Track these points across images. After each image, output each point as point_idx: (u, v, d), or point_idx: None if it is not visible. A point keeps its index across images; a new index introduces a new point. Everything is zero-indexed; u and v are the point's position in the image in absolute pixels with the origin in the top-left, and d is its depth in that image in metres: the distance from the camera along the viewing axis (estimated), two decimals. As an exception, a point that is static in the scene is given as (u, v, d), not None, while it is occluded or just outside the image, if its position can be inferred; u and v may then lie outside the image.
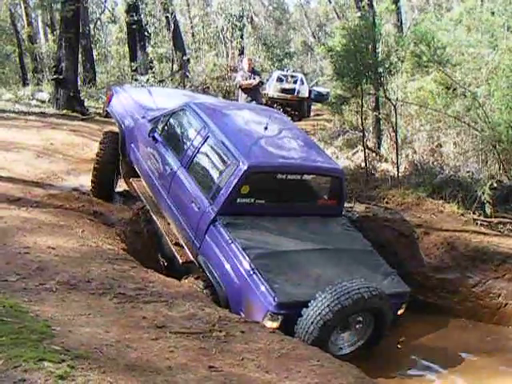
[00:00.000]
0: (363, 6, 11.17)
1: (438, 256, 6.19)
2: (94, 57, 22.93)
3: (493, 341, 5.54)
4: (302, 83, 19.79)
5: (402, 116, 9.51)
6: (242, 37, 24.32)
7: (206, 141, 5.61)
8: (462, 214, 6.99)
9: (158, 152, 6.15)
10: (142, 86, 14.63)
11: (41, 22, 26.20)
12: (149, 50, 19.84)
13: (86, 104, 15.11)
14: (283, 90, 18.90)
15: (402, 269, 5.55)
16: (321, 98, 19.31)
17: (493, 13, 10.83)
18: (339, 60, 8.52)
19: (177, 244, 5.67)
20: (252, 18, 30.46)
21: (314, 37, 37.98)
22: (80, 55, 16.55)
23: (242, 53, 23.18)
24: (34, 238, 4.94)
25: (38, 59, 23.72)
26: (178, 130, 6.29)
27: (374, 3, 11.89)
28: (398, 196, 7.53)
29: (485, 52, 8.95)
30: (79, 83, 16.70)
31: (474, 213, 7.02)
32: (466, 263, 6.06)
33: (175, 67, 19.66)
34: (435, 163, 8.63)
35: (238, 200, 5.17)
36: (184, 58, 19.11)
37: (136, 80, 16.85)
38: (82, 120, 13.09)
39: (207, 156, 5.65)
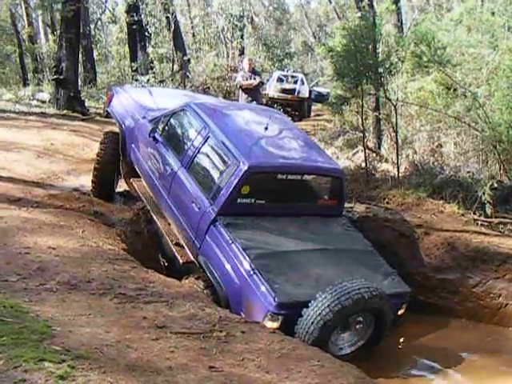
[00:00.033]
0: (363, 7, 11.17)
1: (439, 256, 6.19)
2: (95, 57, 22.94)
3: (493, 341, 5.54)
4: (303, 83, 19.79)
5: (403, 116, 9.51)
6: (242, 37, 24.33)
7: (206, 141, 5.61)
8: (463, 215, 6.99)
9: (159, 152, 6.16)
10: (143, 86, 14.62)
11: (41, 22, 26.23)
12: (149, 50, 19.82)
13: (86, 104, 15.12)
14: (283, 91, 18.90)
15: (402, 269, 5.55)
16: (321, 98, 19.28)
17: (493, 13, 10.84)
18: (339, 60, 8.52)
19: (177, 244, 5.67)
20: (252, 18, 30.47)
21: (315, 37, 37.97)
22: (80, 55, 16.57)
23: (242, 53, 23.20)
24: (34, 238, 4.95)
25: (39, 59, 23.74)
26: (179, 131, 6.30)
27: (375, 3, 11.90)
28: (399, 196, 7.53)
29: (485, 52, 8.95)
30: (80, 83, 16.72)
31: (474, 213, 7.02)
32: (466, 263, 6.06)
33: (176, 67, 19.65)
34: (435, 163, 8.63)
35: (239, 200, 5.17)
36: (184, 58, 19.11)
37: (136, 80, 16.84)
38: (83, 120, 13.10)
39: (208, 156, 5.65)
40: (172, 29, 19.62)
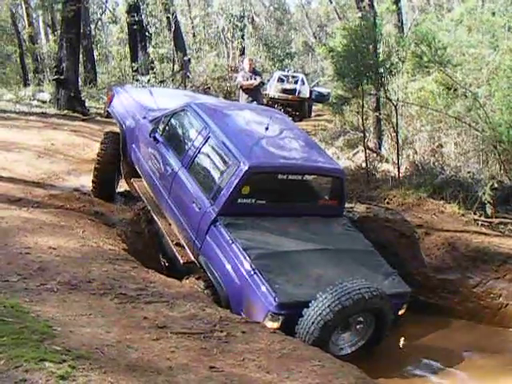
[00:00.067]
0: (364, 7, 11.15)
1: (439, 256, 6.19)
2: (95, 57, 22.96)
3: (494, 341, 5.53)
4: (303, 83, 19.78)
5: (403, 116, 9.50)
6: (242, 37, 24.36)
7: (206, 141, 5.61)
8: (463, 215, 6.99)
9: (159, 152, 6.16)
10: (143, 86, 14.62)
11: (42, 23, 26.23)
12: (150, 50, 19.82)
13: (86, 104, 15.12)
14: (284, 91, 18.89)
15: (402, 269, 5.55)
16: (322, 98, 19.25)
17: (493, 13, 10.83)
18: (340, 60, 8.52)
19: (178, 244, 5.68)
20: (253, 18, 30.49)
21: (315, 37, 37.94)
22: (81, 55, 16.58)
23: (242, 53, 23.22)
24: (35, 238, 4.95)
25: (39, 59, 23.74)
26: (179, 131, 6.30)
27: (375, 4, 11.87)
28: (399, 196, 7.53)
29: (486, 52, 8.94)
30: (80, 83, 16.72)
31: (474, 213, 7.02)
32: (466, 264, 6.06)
33: (176, 67, 19.65)
34: (436, 164, 8.63)
35: (239, 200, 5.18)
36: (185, 58, 19.11)
37: (137, 80, 16.83)
38: (83, 120, 13.10)
39: (208, 156, 5.65)
40: (172, 29, 19.63)
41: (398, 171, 8.29)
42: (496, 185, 7.03)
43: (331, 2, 28.31)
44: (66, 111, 13.70)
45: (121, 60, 23.98)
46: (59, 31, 15.51)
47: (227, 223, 5.07)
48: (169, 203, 5.84)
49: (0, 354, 2.51)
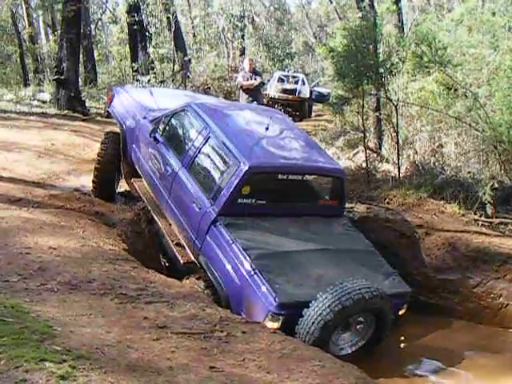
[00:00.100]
0: (364, 7, 11.16)
1: (439, 256, 6.18)
2: (95, 57, 22.96)
3: (494, 341, 5.53)
4: (303, 84, 19.78)
5: (403, 116, 9.50)
6: (243, 37, 24.38)
7: (207, 141, 5.61)
8: (463, 215, 6.99)
9: (160, 152, 6.16)
10: (144, 86, 14.62)
11: (42, 23, 26.25)
12: (150, 50, 19.82)
13: (87, 104, 15.12)
14: (284, 91, 18.89)
15: (403, 269, 5.54)
16: (322, 98, 19.24)
17: (494, 13, 10.84)
18: (340, 60, 8.51)
19: (178, 244, 5.68)
20: (253, 18, 30.51)
21: (315, 37, 37.93)
22: (81, 55, 16.59)
23: (242, 53, 23.25)
24: (35, 238, 4.95)
25: (39, 60, 23.73)
26: (180, 131, 6.30)
27: (375, 4, 11.88)
28: (399, 196, 7.53)
29: (486, 53, 8.94)
30: (80, 83, 16.72)
31: (475, 213, 7.02)
32: (467, 264, 6.05)
33: (176, 68, 19.64)
34: (436, 164, 8.63)
35: (239, 200, 5.18)
36: (185, 58, 19.11)
37: (137, 80, 16.82)
38: (83, 120, 13.10)
39: (208, 156, 5.65)
40: (173, 29, 19.61)
41: (399, 171, 8.29)
42: (496, 185, 7.02)
43: (331, 2, 28.28)
44: (66, 111, 13.71)
45: (121, 60, 23.98)
46: (59, 31, 15.51)
47: (227, 223, 5.07)
48: (169, 203, 5.84)
49: (0, 354, 2.51)
